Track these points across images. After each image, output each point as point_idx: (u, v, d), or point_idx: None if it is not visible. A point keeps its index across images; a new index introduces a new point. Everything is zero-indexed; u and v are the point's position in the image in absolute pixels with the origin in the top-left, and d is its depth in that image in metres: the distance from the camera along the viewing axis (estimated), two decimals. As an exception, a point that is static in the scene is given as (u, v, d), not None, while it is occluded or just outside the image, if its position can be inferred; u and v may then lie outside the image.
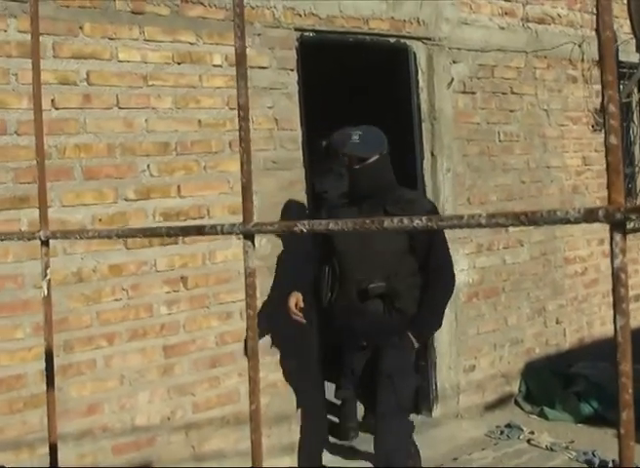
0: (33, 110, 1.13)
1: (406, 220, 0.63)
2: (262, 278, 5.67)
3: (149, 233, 0.94)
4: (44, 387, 4.65)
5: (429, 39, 6.81)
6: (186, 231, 0.85)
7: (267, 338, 5.65)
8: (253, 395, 0.78)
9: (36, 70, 1.12)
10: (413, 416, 6.84)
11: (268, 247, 5.67)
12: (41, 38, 4.74)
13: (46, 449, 4.66)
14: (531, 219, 0.60)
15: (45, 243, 1.13)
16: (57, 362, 4.83)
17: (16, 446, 4.66)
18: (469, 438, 6.62)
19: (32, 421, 4.71)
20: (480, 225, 0.58)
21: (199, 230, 0.81)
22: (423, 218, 0.63)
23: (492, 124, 7.31)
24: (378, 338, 5.03)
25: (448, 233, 6.55)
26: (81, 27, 4.94)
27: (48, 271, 1.11)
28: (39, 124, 1.07)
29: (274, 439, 5.71)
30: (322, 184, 6.65)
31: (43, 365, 4.56)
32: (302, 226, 0.66)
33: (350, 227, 0.65)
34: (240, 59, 0.70)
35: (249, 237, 0.72)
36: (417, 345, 5.01)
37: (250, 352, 0.77)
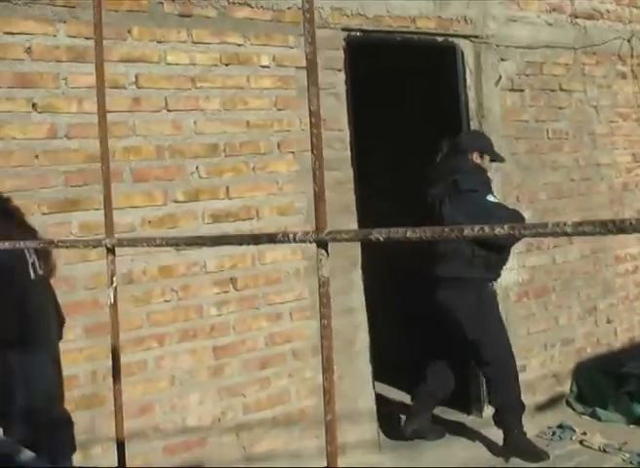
0: (98, 117, 1.13)
1: (487, 229, 0.62)
2: (311, 278, 5.66)
3: (219, 241, 0.93)
4: (95, 388, 4.70)
5: (477, 37, 6.76)
6: (257, 239, 0.85)
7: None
8: (328, 406, 0.77)
9: (100, 77, 1.11)
10: (463, 417, 6.82)
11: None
12: (89, 42, 4.77)
13: (98, 450, 4.70)
14: (619, 227, 0.59)
15: (111, 250, 1.12)
16: (107, 363, 4.84)
17: (68, 447, 4.69)
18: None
19: (83, 422, 4.73)
20: (566, 233, 0.57)
21: (271, 238, 0.80)
22: (506, 227, 0.62)
23: (540, 121, 7.25)
24: None
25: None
26: (129, 31, 4.96)
27: (114, 279, 1.11)
28: (103, 131, 1.07)
29: (323, 440, 5.69)
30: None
31: (94, 366, 4.60)
32: (379, 235, 0.65)
33: (429, 236, 0.64)
34: (311, 66, 0.69)
35: (322, 245, 0.71)
36: None
37: (324, 363, 0.76)
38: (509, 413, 6.13)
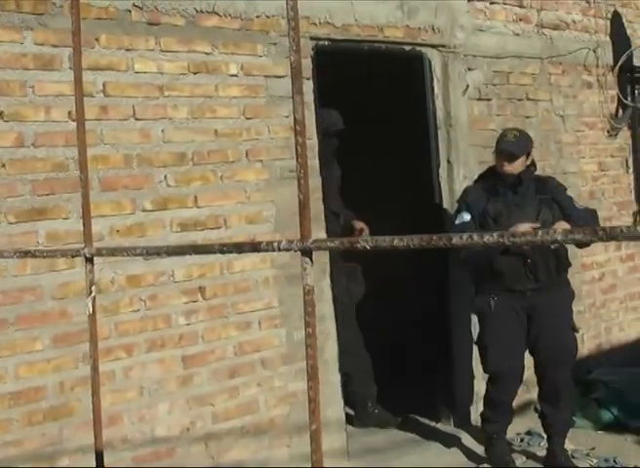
0: (76, 128, 1.12)
1: (476, 237, 0.62)
2: (280, 287, 5.65)
3: (201, 250, 0.92)
4: (63, 399, 4.67)
5: (444, 46, 6.79)
6: (240, 248, 0.84)
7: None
8: (313, 415, 0.76)
9: (79, 86, 1.10)
10: (432, 425, 6.84)
11: (286, 255, 5.65)
12: (57, 50, 4.76)
13: (66, 462, 4.67)
14: (610, 235, 0.59)
15: (89, 260, 1.11)
16: (75, 373, 4.85)
17: (36, 458, 4.65)
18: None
19: (52, 433, 4.71)
20: (555, 241, 0.57)
21: (254, 247, 0.79)
22: (495, 235, 0.62)
23: (507, 130, 7.28)
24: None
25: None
26: (97, 39, 4.93)
27: (93, 289, 1.10)
28: (82, 142, 1.06)
29: (294, 449, 5.69)
30: None
31: (62, 377, 4.57)
32: (365, 243, 0.64)
33: (417, 244, 0.63)
34: (295, 74, 0.69)
35: (307, 253, 0.70)
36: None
37: (310, 371, 0.75)
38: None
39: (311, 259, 0.71)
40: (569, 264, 6.16)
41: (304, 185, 0.70)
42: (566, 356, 6.03)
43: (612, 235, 0.61)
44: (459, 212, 6.06)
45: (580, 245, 5.96)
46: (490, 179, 6.05)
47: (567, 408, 6.13)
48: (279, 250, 0.74)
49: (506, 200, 5.92)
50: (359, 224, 6.84)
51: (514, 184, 5.93)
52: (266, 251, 0.77)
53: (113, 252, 1.20)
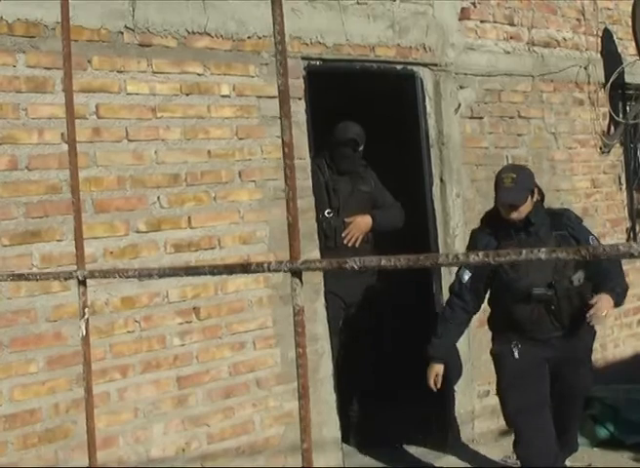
0: (68, 151, 1.12)
1: (462, 257, 0.62)
2: (274, 307, 5.65)
3: (192, 272, 0.93)
4: (58, 421, 4.65)
5: (436, 65, 6.81)
6: (231, 269, 0.85)
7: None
8: (304, 433, 0.77)
9: (70, 109, 1.11)
10: (426, 442, 6.82)
11: (280, 275, 5.65)
12: (49, 72, 4.78)
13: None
14: (593, 254, 0.59)
15: (82, 282, 1.11)
16: (70, 396, 4.84)
17: (31, 481, 4.64)
18: (485, 463, 6.57)
19: (47, 456, 4.69)
20: (539, 260, 0.57)
21: (244, 268, 0.80)
22: (480, 254, 0.62)
23: (500, 148, 7.31)
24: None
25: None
26: (89, 61, 4.95)
27: (86, 311, 1.10)
28: (74, 164, 1.06)
29: (290, 468, 5.68)
30: None
31: (57, 399, 4.56)
32: (354, 263, 0.65)
33: (404, 264, 0.64)
34: (284, 97, 0.69)
35: (297, 274, 0.71)
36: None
37: (301, 390, 0.76)
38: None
39: (301, 280, 0.71)
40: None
41: (293, 207, 0.71)
42: (583, 393, 5.90)
43: (595, 253, 0.61)
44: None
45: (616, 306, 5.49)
46: (497, 221, 5.58)
47: (575, 433, 6.06)
48: (269, 270, 0.75)
49: (520, 243, 5.41)
50: (348, 220, 6.76)
51: (525, 226, 5.50)
52: (257, 272, 0.78)
53: (106, 274, 1.20)
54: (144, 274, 1.03)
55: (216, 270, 0.86)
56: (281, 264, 0.74)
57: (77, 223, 1.06)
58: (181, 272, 0.83)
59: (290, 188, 0.76)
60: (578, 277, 5.43)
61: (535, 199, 5.52)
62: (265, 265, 0.76)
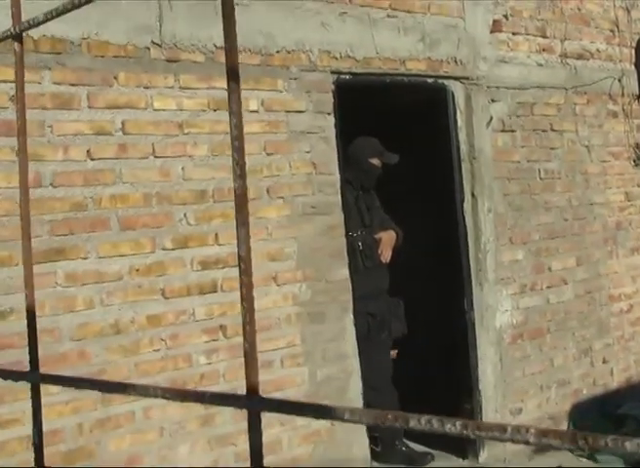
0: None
1: (435, 423, 0.55)
2: (302, 324, 5.59)
3: (140, 392, 0.85)
4: (82, 442, 4.59)
5: (467, 78, 6.73)
6: (184, 396, 0.77)
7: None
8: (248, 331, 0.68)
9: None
10: (459, 462, 6.73)
11: (309, 292, 5.59)
12: (75, 89, 4.74)
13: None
14: (592, 447, 0.52)
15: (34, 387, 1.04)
16: (95, 415, 4.79)
17: (54, 502, 4.59)
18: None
19: (71, 476, 4.65)
20: (527, 442, 0.50)
21: (198, 398, 0.73)
22: (457, 424, 0.55)
23: (532, 162, 7.21)
24: None
25: (490, 274, 6.48)
26: (116, 77, 4.91)
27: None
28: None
29: (318, 489, 5.61)
30: None
31: (80, 418, 4.50)
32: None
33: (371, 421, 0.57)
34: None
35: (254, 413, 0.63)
36: None
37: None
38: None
39: (259, 417, 0.64)
40: None
41: (250, 333, 0.63)
42: None
43: (594, 446, 0.53)
44: None
45: None
46: None
47: None
48: (226, 404, 0.67)
49: None
50: (379, 235, 6.73)
51: None
52: (210, 403, 0.71)
53: (59, 380, 1.12)
54: (97, 385, 0.95)
55: (168, 394, 0.79)
56: (238, 401, 0.67)
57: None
58: (130, 389, 0.76)
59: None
60: None
61: None
62: (221, 397, 0.69)
